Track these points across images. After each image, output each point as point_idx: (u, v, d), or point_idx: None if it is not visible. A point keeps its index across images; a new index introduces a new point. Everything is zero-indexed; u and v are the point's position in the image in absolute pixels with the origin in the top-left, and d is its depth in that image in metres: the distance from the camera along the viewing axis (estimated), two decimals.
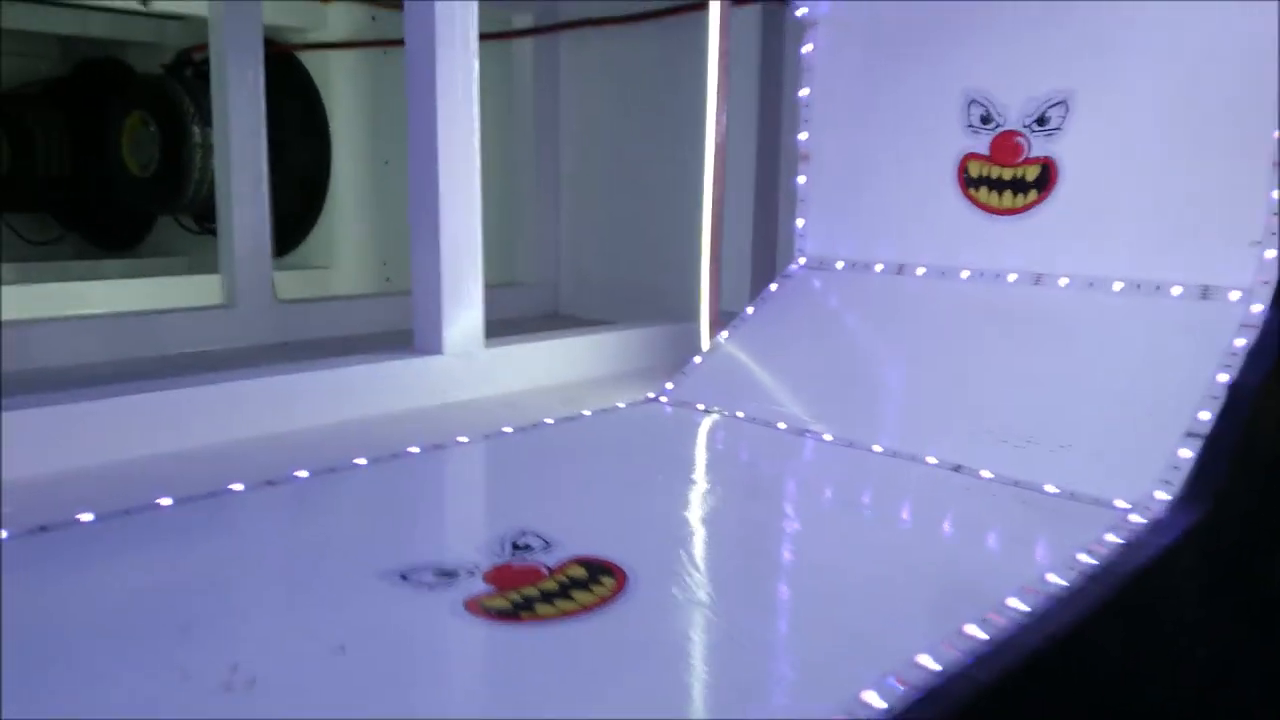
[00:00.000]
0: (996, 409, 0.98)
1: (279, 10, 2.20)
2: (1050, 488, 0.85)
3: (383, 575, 0.66)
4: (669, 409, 1.18)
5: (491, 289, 2.10)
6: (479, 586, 0.64)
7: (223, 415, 1.09)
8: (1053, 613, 0.62)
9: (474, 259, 1.28)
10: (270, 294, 1.75)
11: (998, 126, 1.14)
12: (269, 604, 0.65)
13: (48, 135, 2.71)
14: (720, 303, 1.74)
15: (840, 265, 1.27)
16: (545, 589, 0.64)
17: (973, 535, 0.80)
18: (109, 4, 2.13)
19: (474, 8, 1.24)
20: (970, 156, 1.16)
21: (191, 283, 2.26)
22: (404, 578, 0.66)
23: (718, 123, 1.28)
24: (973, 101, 1.16)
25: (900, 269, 1.21)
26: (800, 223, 1.32)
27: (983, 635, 0.59)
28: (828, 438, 1.01)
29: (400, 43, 2.38)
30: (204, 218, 2.47)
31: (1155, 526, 0.77)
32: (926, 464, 0.93)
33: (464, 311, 1.29)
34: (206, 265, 2.72)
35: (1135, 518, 0.79)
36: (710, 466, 1.02)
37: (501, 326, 2.06)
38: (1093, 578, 0.67)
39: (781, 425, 1.05)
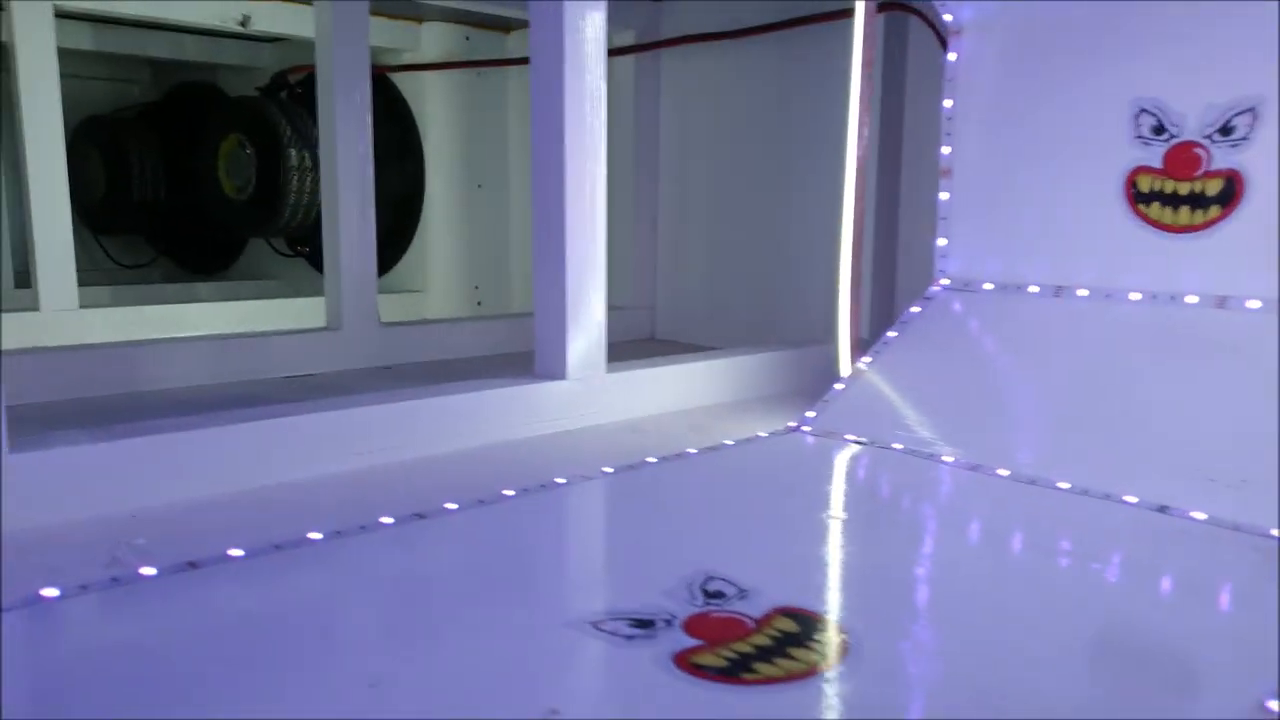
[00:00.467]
0: (1194, 444, 0.89)
1: (373, 31, 2.19)
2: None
3: (572, 623, 0.60)
4: (814, 439, 1.12)
5: None
6: (682, 639, 0.58)
7: (351, 442, 1.05)
8: None
9: (597, 284, 1.23)
10: (374, 317, 1.72)
11: (1172, 137, 1.06)
12: (458, 659, 0.59)
13: (143, 159, 2.74)
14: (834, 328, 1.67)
15: (988, 286, 1.19)
16: (758, 644, 0.57)
17: (1238, 595, 0.71)
18: (207, 26, 2.14)
19: (602, 21, 1.19)
20: (1140, 170, 1.08)
21: (291, 305, 2.25)
22: (597, 627, 0.60)
23: (860, 137, 1.20)
24: (1143, 111, 1.08)
25: (1058, 291, 1.13)
26: (942, 242, 1.25)
27: None
28: (1003, 473, 0.94)
29: (494, 63, 2.40)
30: (297, 240, 2.47)
31: None
32: (1126, 504, 0.84)
33: (586, 336, 1.23)
34: (298, 288, 2.73)
35: None
36: (879, 503, 0.95)
37: None
38: None
39: (948, 459, 0.98)
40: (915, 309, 1.22)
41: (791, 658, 0.56)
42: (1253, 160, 1.00)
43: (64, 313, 1.96)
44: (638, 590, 0.68)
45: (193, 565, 0.71)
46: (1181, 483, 0.85)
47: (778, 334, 1.87)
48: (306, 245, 2.45)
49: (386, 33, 2.27)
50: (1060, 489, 0.89)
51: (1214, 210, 1.03)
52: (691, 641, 0.58)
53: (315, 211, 2.33)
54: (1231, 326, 1.00)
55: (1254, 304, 0.99)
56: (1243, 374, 0.96)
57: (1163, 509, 0.83)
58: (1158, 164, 1.07)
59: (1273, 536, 0.77)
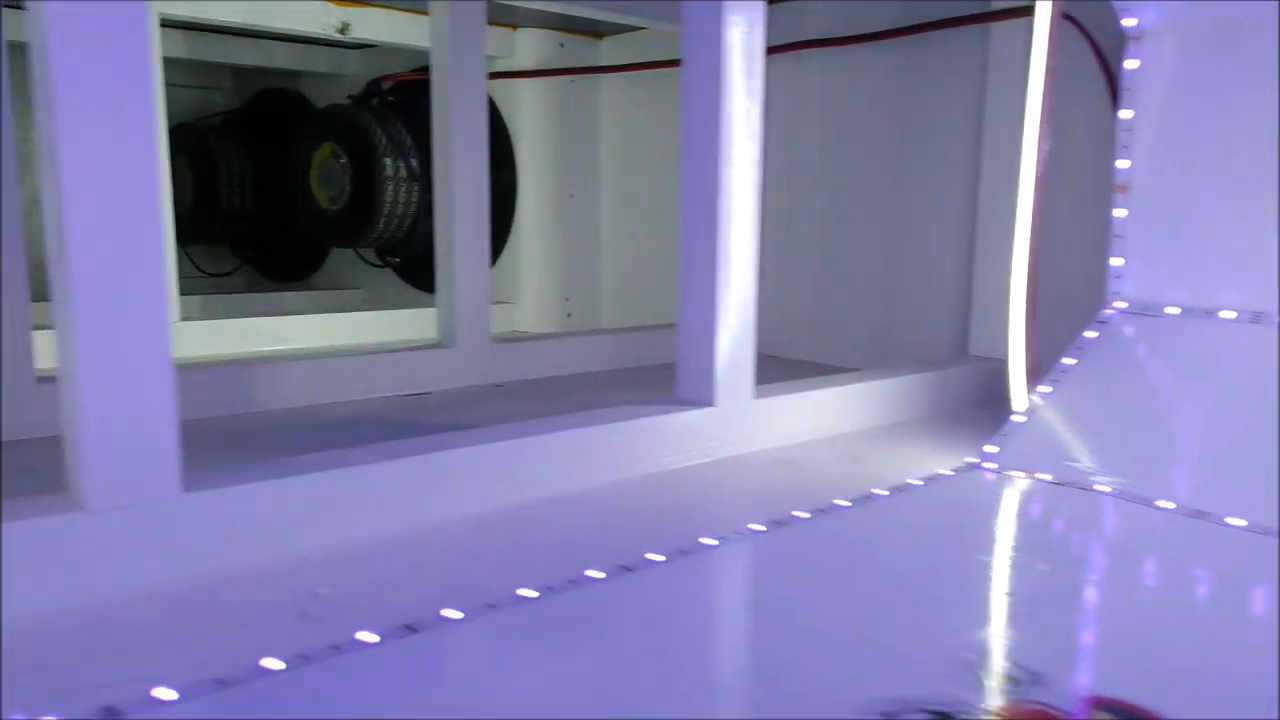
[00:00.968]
0: None
1: None
2: None
3: (860, 709, 0.54)
4: (1002, 477, 1.04)
5: (673, 328, 2.02)
6: None
7: (506, 476, 1.00)
8: None
9: (749, 304, 1.17)
10: (486, 334, 1.68)
11: None
12: None
13: (230, 167, 2.73)
14: (974, 345, 1.60)
15: (1174, 311, 1.11)
16: None
17: None
18: (305, 33, 2.11)
19: (762, 21, 1.13)
20: None
21: (389, 318, 2.22)
22: None
23: (1039, 150, 1.13)
24: None
25: (1257, 317, 1.05)
26: (1118, 262, 1.17)
27: None
28: (1236, 523, 0.86)
29: (588, 70, 2.35)
30: (387, 251, 2.44)
31: None
32: None
33: (735, 360, 1.17)
34: (384, 298, 2.70)
35: None
36: (1120, 559, 0.86)
37: None
38: None
39: (1165, 505, 0.90)
40: (1091, 334, 1.15)
41: None
42: None
43: None
44: (907, 671, 0.61)
45: (411, 629, 0.66)
46: None
47: (894, 352, 1.80)
48: (397, 256, 2.42)
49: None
50: None
51: None
52: None
53: (409, 222, 2.30)
54: None
55: None
56: None
57: None
58: None
59: None
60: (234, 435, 1.32)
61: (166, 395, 0.77)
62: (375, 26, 2.14)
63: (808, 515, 0.90)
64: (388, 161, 2.21)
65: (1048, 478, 1.01)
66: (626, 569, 0.77)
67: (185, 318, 2.00)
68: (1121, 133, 1.17)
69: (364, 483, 0.89)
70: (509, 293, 2.41)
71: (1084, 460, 1.01)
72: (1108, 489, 0.96)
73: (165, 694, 0.58)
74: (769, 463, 1.17)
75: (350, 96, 2.38)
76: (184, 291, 2.58)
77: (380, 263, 2.51)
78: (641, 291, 2.41)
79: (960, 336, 1.70)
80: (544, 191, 2.38)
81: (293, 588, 0.77)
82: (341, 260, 2.84)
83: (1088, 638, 0.67)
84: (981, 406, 1.51)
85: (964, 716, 0.53)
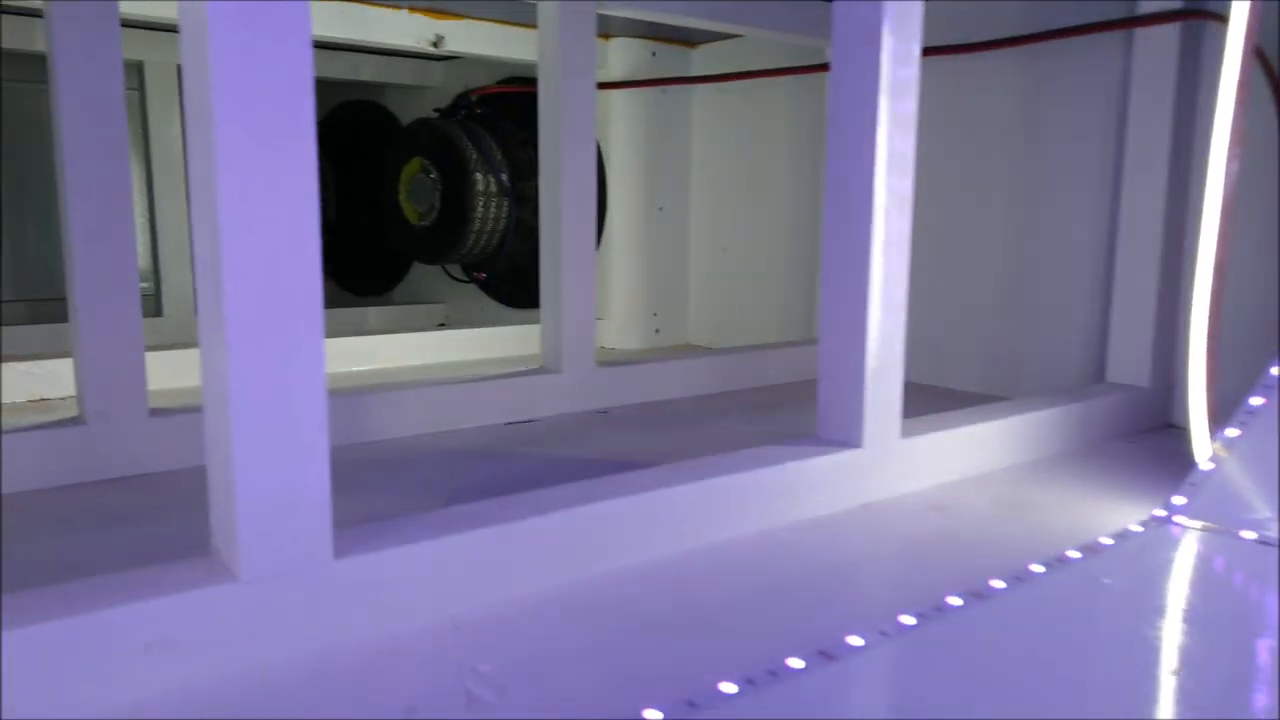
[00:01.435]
0: None
1: None
2: None
3: None
4: (1204, 534, 0.94)
5: (792, 346, 1.96)
6: None
7: (654, 528, 0.93)
8: None
9: (899, 336, 1.09)
10: (592, 358, 1.62)
11: None
12: None
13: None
14: (1113, 372, 1.50)
15: None
16: None
17: None
18: (398, 46, 2.07)
19: (919, 23, 1.05)
20: None
21: (488, 336, 2.18)
22: None
23: (1226, 170, 1.03)
24: None
25: None
26: None
27: None
28: None
29: (681, 80, 2.29)
30: (474, 266, 2.39)
31: None
32: None
33: (886, 397, 1.09)
34: (468, 314, 2.66)
35: None
36: None
37: (798, 389, 1.90)
38: None
39: None
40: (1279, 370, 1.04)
41: None
42: None
43: None
44: None
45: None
46: None
47: (1018, 377, 1.70)
48: (484, 271, 2.37)
49: None
50: None
51: None
52: None
53: (499, 238, 2.25)
54: None
55: None
56: None
57: None
58: None
59: None
60: (351, 472, 1.27)
61: (322, 458, 0.71)
62: (467, 39, 2.09)
63: (1003, 586, 0.82)
64: (478, 176, 2.16)
65: (1252, 535, 0.91)
66: (827, 655, 0.69)
67: None
68: None
69: (521, 539, 0.83)
70: (597, 308, 2.35)
71: None
72: None
73: None
74: (921, 509, 1.08)
75: (437, 109, 2.34)
76: None
77: (465, 278, 2.47)
78: (732, 308, 2.34)
79: (1092, 362, 1.60)
80: (633, 205, 2.31)
81: (452, 660, 0.71)
82: (423, 274, 2.81)
83: None
84: (1126, 439, 1.41)
85: None
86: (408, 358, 2.09)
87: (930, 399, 1.68)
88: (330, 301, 2.78)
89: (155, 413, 1.20)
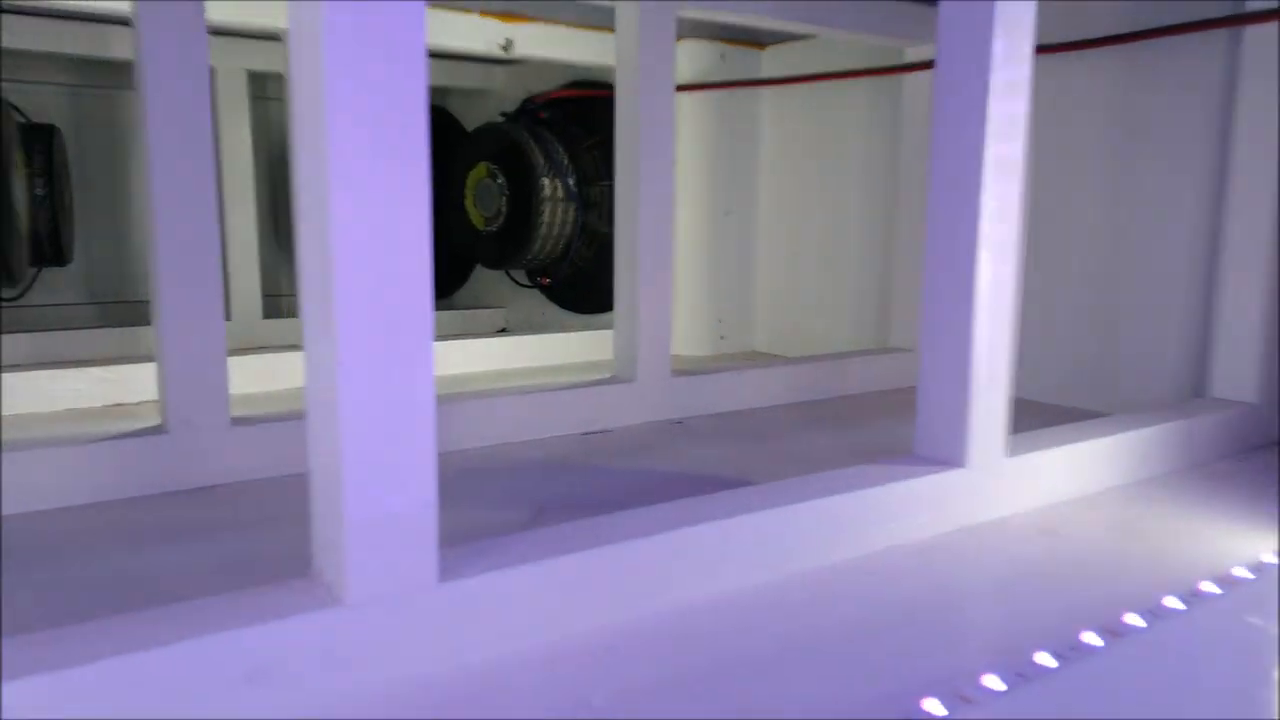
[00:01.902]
0: None
1: None
2: None
3: None
4: None
5: (870, 356, 1.91)
6: None
7: (757, 552, 0.89)
8: None
9: (1006, 349, 1.04)
10: (668, 367, 1.58)
11: None
12: None
13: None
14: (1217, 387, 1.43)
15: None
16: None
17: None
18: (469, 51, 2.06)
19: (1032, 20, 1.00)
20: None
21: (558, 342, 2.16)
22: None
23: None
24: None
25: None
26: None
27: None
28: None
29: (752, 83, 2.24)
30: (539, 271, 2.37)
31: None
32: None
33: (991, 416, 1.04)
34: (528, 318, 2.64)
35: None
36: None
37: (878, 400, 1.85)
38: None
39: None
40: None
41: None
42: None
43: None
44: None
45: None
46: None
47: (1109, 389, 1.63)
48: (549, 277, 2.35)
49: None
50: None
51: None
52: None
53: (564, 243, 2.23)
54: None
55: None
56: None
57: None
58: None
59: None
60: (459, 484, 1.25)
61: (430, 474, 0.68)
62: (535, 43, 2.07)
63: (1141, 623, 0.76)
64: (545, 181, 2.14)
65: None
66: (964, 699, 0.64)
67: None
68: None
69: (622, 561, 0.80)
70: None
71: None
72: None
73: None
74: (1030, 533, 1.03)
75: (503, 114, 2.32)
76: None
77: (530, 283, 2.45)
78: (800, 315, 2.29)
79: (1188, 375, 1.53)
80: (699, 209, 2.28)
81: (561, 691, 0.68)
82: (485, 278, 2.80)
83: None
84: (1235, 458, 1.34)
85: None
86: (470, 364, 2.07)
87: (1014, 413, 1.62)
88: None
89: (237, 421, 1.18)
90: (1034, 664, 0.69)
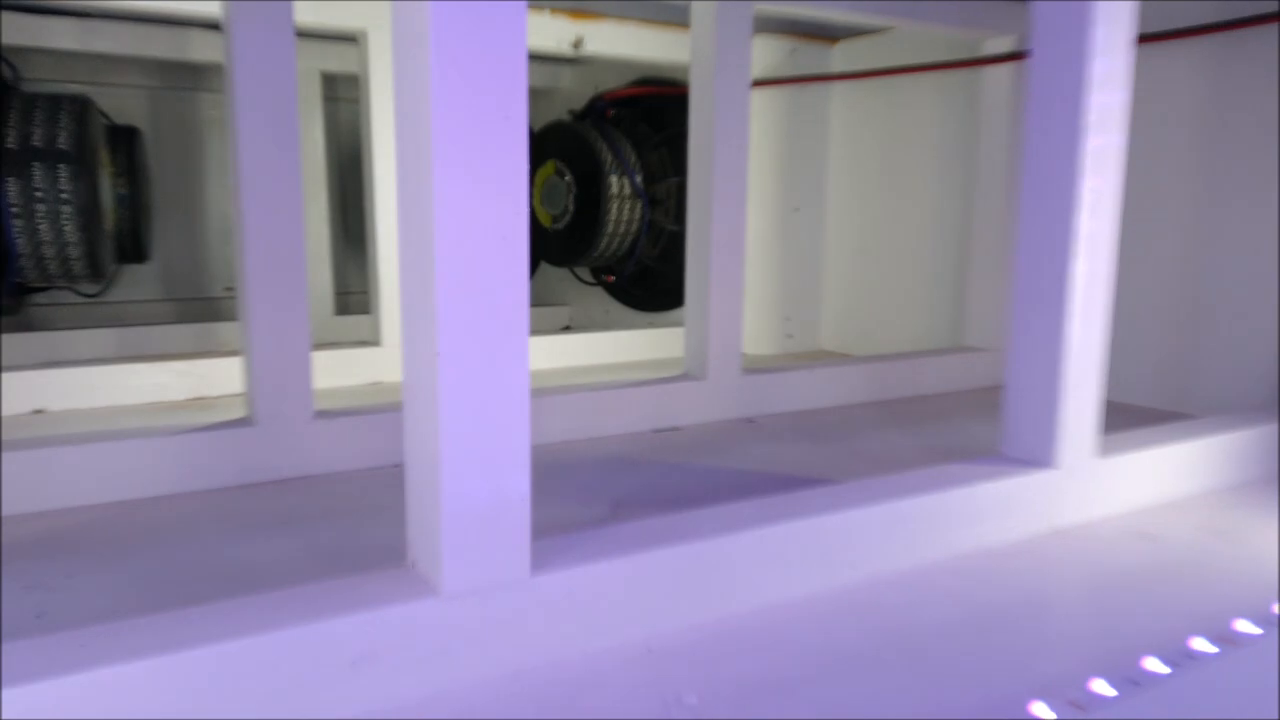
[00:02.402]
0: None
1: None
2: None
3: None
4: None
5: (944, 355, 1.88)
6: None
7: (840, 551, 0.88)
8: None
9: (1099, 346, 1.01)
10: (738, 365, 1.57)
11: None
12: None
13: None
14: (1248, 393, 1.38)
15: None
16: None
17: None
18: (541, 50, 2.07)
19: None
20: None
21: (607, 340, 2.16)
22: None
23: None
24: None
25: None
26: None
27: None
28: None
29: (823, 78, 2.22)
30: (604, 269, 2.37)
31: None
32: None
33: (1081, 415, 1.02)
34: (591, 316, 2.65)
35: None
36: None
37: (953, 400, 1.82)
38: None
39: None
40: None
41: None
42: None
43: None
44: None
45: None
46: None
47: (1192, 391, 1.58)
48: (614, 274, 2.35)
49: None
50: None
51: None
52: None
53: (630, 241, 2.23)
54: None
55: None
56: None
57: None
58: None
59: None
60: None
61: (524, 467, 0.68)
62: (604, 41, 2.07)
63: (1257, 630, 0.74)
64: (613, 179, 2.14)
65: None
66: (1076, 705, 0.63)
67: None
68: None
69: (710, 558, 0.79)
70: None
71: None
72: None
73: None
74: (1124, 536, 1.00)
75: (571, 112, 2.33)
76: None
77: (594, 280, 2.45)
78: (869, 313, 2.26)
79: (1277, 375, 1.48)
80: (767, 205, 2.26)
81: (652, 687, 0.68)
82: (549, 276, 2.81)
83: None
84: None
85: None
86: (537, 361, 2.08)
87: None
88: None
89: (320, 414, 1.20)
90: (1143, 670, 0.67)
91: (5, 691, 0.53)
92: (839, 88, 2.24)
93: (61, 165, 1.60)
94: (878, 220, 2.21)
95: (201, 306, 2.73)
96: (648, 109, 2.23)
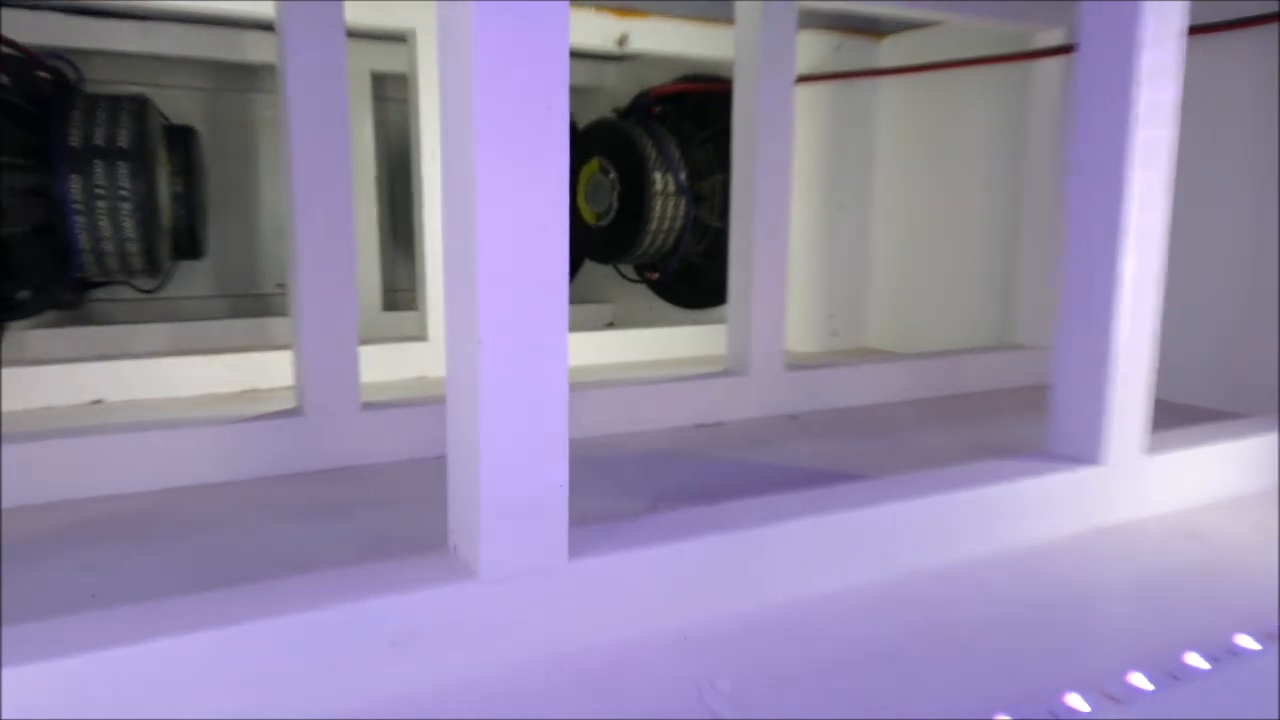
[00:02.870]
0: None
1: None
2: None
3: None
4: None
5: (991, 352, 1.85)
6: None
7: (880, 546, 0.87)
8: None
9: (1149, 341, 1.00)
10: (781, 360, 1.57)
11: None
12: None
13: None
14: None
15: None
16: None
17: None
18: (587, 48, 2.08)
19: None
20: None
21: (651, 337, 2.17)
22: None
23: None
24: None
25: None
26: None
27: None
28: None
29: (870, 73, 2.21)
30: (647, 266, 2.38)
31: None
32: None
33: (1129, 411, 1.00)
34: (635, 313, 2.66)
35: None
36: None
37: (1000, 398, 1.79)
38: None
39: None
40: None
41: None
42: None
43: None
44: None
45: None
46: None
47: (1250, 391, 1.55)
48: (657, 271, 2.36)
49: None
50: None
51: None
52: None
53: (674, 237, 2.23)
54: None
55: None
56: None
57: None
58: None
59: None
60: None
61: (562, 457, 0.69)
62: (649, 37, 2.08)
63: None
64: (656, 176, 2.15)
65: None
66: (1111, 698, 0.62)
67: None
68: None
69: (745, 548, 0.79)
70: None
71: None
72: None
73: None
74: (1171, 535, 0.98)
75: (616, 110, 2.34)
76: None
77: (638, 277, 2.46)
78: (916, 311, 2.24)
79: None
80: (813, 202, 2.25)
81: (686, 673, 0.68)
82: (593, 273, 2.82)
83: None
84: None
85: None
86: (580, 357, 2.09)
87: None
88: None
89: (367, 406, 1.22)
90: (1183, 665, 0.66)
91: (61, 662, 0.55)
92: (887, 84, 2.22)
93: (121, 163, 1.65)
94: (925, 217, 2.19)
95: (254, 302, 2.79)
96: (694, 106, 2.23)
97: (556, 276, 0.67)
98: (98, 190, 1.64)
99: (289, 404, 1.25)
